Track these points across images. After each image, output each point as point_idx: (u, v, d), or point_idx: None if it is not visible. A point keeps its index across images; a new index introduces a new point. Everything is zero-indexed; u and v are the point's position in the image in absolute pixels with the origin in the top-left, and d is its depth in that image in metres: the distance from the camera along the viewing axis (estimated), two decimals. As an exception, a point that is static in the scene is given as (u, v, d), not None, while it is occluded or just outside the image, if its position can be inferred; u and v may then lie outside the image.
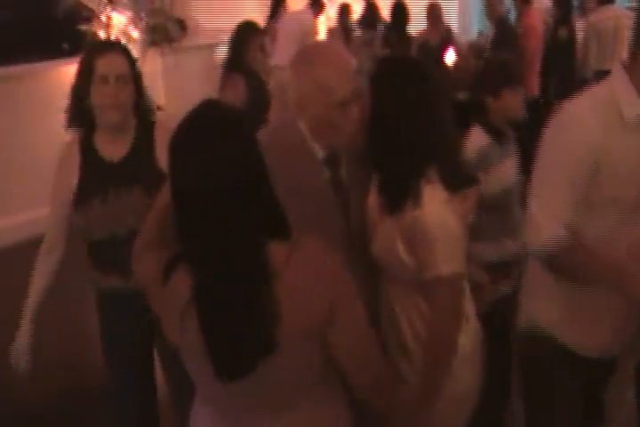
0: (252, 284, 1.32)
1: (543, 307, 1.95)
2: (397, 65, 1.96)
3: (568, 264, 1.77)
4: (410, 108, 1.83)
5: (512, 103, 2.70)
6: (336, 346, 1.43)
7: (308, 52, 1.91)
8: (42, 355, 3.42)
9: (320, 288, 1.38)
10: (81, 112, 2.19)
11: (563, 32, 6.30)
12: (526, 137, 2.69)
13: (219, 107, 1.43)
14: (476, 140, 2.65)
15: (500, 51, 6.06)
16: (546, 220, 1.74)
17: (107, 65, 2.13)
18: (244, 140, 1.37)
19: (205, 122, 1.36)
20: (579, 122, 1.71)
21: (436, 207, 1.81)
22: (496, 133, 2.69)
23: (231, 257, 1.32)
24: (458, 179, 1.90)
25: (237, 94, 4.16)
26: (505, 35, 6.14)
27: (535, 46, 6.13)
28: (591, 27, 6.10)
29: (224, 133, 1.34)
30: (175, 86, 6.31)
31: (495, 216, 2.61)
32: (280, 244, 1.37)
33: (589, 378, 1.98)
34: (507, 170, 2.69)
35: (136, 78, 2.20)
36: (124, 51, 2.22)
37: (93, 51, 2.20)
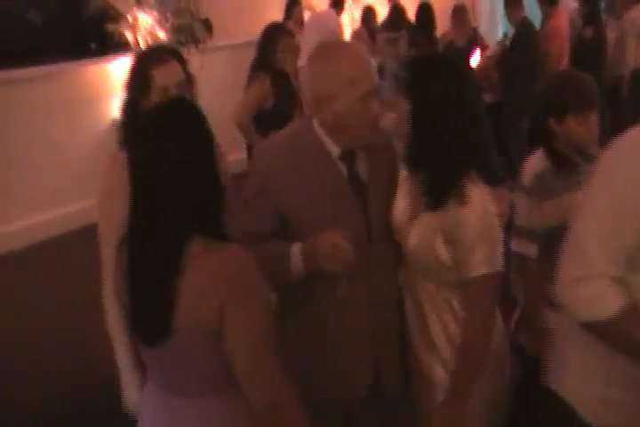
0: (162, 269, 1.47)
1: (575, 378, 1.63)
2: (435, 64, 1.92)
3: (617, 331, 1.44)
4: (452, 107, 1.81)
5: (578, 130, 2.25)
6: (229, 354, 1.50)
7: (326, 50, 1.92)
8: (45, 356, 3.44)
9: (214, 291, 1.46)
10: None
11: (588, 31, 6.21)
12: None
13: (181, 105, 1.58)
14: (534, 165, 2.32)
15: (518, 53, 6.02)
16: (608, 268, 1.41)
17: (166, 75, 2.02)
18: (194, 139, 1.49)
19: (162, 118, 1.51)
20: None
21: (481, 206, 1.82)
22: (560, 161, 2.30)
23: (155, 241, 1.49)
24: (492, 177, 1.89)
25: (263, 93, 4.16)
26: (525, 36, 6.08)
27: (559, 48, 6.06)
28: (630, 24, 6.00)
29: (176, 132, 1.48)
30: (201, 86, 6.32)
31: (548, 255, 2.21)
32: (202, 242, 1.48)
33: None
34: (570, 204, 2.21)
35: (191, 81, 2.13)
36: (177, 55, 2.13)
37: (147, 60, 2.06)
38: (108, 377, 2.78)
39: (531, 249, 2.26)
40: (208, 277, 1.48)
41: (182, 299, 1.47)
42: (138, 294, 1.52)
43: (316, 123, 1.91)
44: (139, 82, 2.01)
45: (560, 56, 6.09)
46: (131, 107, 2.02)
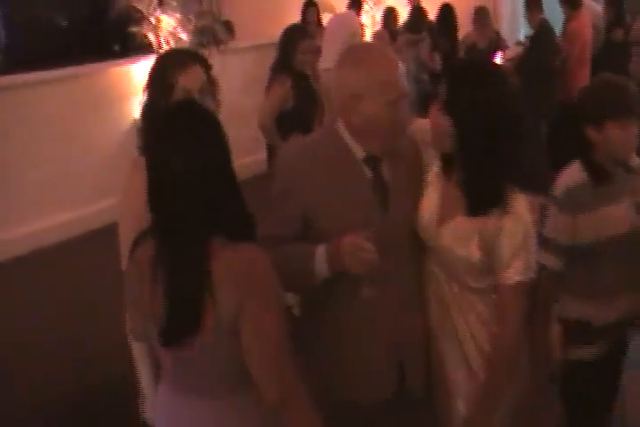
0: (189, 267, 1.50)
1: None
2: (470, 76, 1.86)
3: None
4: (495, 118, 1.79)
5: (618, 139, 2.11)
6: (245, 351, 1.53)
7: (358, 52, 1.90)
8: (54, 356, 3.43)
9: (232, 289, 1.50)
10: None
11: (617, 34, 6.13)
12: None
13: (193, 108, 1.61)
14: (569, 177, 2.19)
15: (536, 54, 5.98)
16: None
17: (190, 79, 2.00)
18: (209, 139, 1.53)
19: (180, 121, 1.54)
20: None
21: (524, 215, 1.84)
22: (599, 173, 2.17)
23: (179, 241, 1.51)
24: (535, 186, 1.89)
25: (283, 94, 4.16)
26: (543, 38, 6.05)
27: (581, 51, 6.02)
28: None
29: (193, 134, 1.51)
30: (222, 88, 6.35)
31: (583, 271, 2.23)
32: (221, 241, 1.51)
33: None
34: (605, 218, 2.18)
35: (214, 84, 2.12)
36: (200, 59, 2.11)
37: (170, 64, 2.03)
38: (108, 377, 2.81)
39: (556, 262, 2.20)
40: (227, 275, 1.50)
41: (205, 297, 1.50)
42: (163, 295, 1.53)
43: (341, 125, 1.90)
44: (162, 85, 2.00)
45: (582, 59, 6.05)
46: (152, 110, 2.00)
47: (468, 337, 1.94)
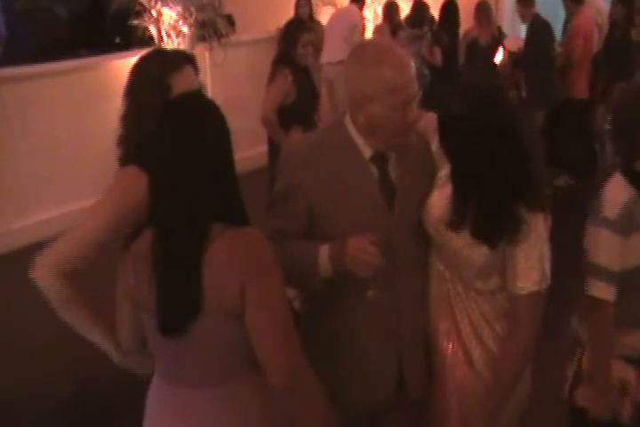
0: (186, 254, 1.51)
1: None
2: (463, 121, 1.80)
3: None
4: (492, 156, 1.77)
5: None
6: (251, 334, 1.52)
7: (370, 51, 1.85)
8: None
9: (234, 270, 1.50)
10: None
11: (637, 32, 6.06)
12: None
13: (197, 99, 1.64)
14: (616, 193, 1.95)
15: (533, 49, 5.97)
16: None
17: (184, 81, 1.97)
18: (213, 133, 1.55)
19: (182, 112, 1.57)
20: None
21: (541, 232, 1.83)
22: None
23: (176, 229, 1.53)
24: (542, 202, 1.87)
25: (285, 88, 4.15)
26: (538, 33, 6.03)
27: (583, 47, 6.00)
28: None
29: (200, 125, 1.54)
30: (223, 81, 6.33)
31: (628, 300, 1.99)
32: (222, 227, 1.53)
33: None
34: None
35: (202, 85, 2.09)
36: (191, 60, 2.09)
37: (164, 65, 1.99)
38: (108, 377, 2.79)
39: (609, 292, 1.95)
40: (228, 258, 1.51)
41: (206, 280, 1.50)
42: (163, 282, 1.53)
43: (349, 121, 1.88)
44: (156, 86, 1.93)
45: (584, 57, 6.02)
46: (145, 112, 1.89)
47: (471, 336, 1.94)
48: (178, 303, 1.53)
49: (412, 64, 1.83)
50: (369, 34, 7.66)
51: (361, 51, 1.86)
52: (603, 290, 1.94)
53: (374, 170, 1.89)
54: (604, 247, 1.94)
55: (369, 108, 1.78)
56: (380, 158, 1.89)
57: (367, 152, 1.88)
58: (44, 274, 1.74)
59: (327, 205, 1.86)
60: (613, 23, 6.15)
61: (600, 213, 1.93)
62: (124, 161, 1.95)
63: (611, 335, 1.98)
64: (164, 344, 1.61)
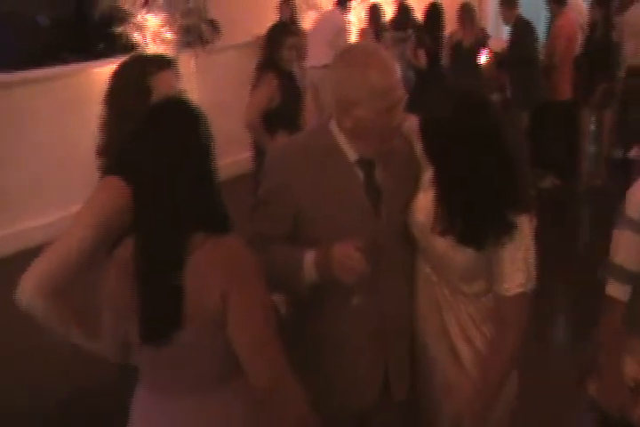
0: (167, 262, 1.52)
1: None
2: (445, 127, 1.80)
3: None
4: (478, 161, 1.78)
5: None
6: (233, 340, 1.54)
7: (355, 55, 1.84)
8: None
9: (215, 278, 1.52)
10: None
11: (617, 33, 6.09)
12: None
13: (179, 103, 1.63)
14: None
15: (516, 50, 6.02)
16: None
17: (165, 84, 1.96)
18: (196, 137, 1.55)
19: (165, 116, 1.57)
20: None
21: (526, 232, 1.83)
22: None
23: (158, 235, 1.53)
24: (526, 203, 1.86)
25: (270, 92, 4.15)
26: (521, 34, 6.08)
27: (566, 48, 6.03)
28: (626, 24, 5.97)
29: (175, 133, 1.54)
30: (208, 87, 6.32)
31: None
32: (203, 236, 1.54)
33: None
34: None
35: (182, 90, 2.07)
36: (174, 64, 2.08)
37: (144, 69, 1.99)
38: (108, 377, 2.76)
39: (622, 291, 1.95)
40: (208, 268, 1.53)
41: (187, 290, 1.51)
42: (145, 291, 1.54)
43: (334, 125, 1.88)
44: (139, 91, 1.93)
45: (565, 58, 6.06)
46: (127, 117, 1.89)
47: (460, 338, 1.95)
48: (160, 313, 1.53)
49: (398, 68, 1.82)
50: (353, 37, 7.69)
51: (347, 54, 1.86)
52: (615, 289, 1.95)
53: (360, 173, 1.89)
54: (624, 247, 1.93)
55: (355, 111, 1.78)
56: (365, 162, 1.89)
57: (353, 156, 1.88)
58: (27, 295, 1.71)
59: (312, 209, 1.85)
60: (593, 24, 6.19)
61: (625, 213, 1.91)
62: (106, 171, 1.94)
63: (621, 334, 1.98)
64: (148, 352, 1.61)
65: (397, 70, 1.82)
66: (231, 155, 5.52)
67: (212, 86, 6.45)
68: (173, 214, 1.52)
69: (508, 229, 1.80)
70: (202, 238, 1.53)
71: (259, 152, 4.26)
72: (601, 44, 6.04)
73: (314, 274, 1.78)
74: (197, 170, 1.54)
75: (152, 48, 5.99)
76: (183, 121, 1.56)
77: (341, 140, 1.87)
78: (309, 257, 1.78)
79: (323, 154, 1.88)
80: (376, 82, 1.75)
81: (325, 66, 6.21)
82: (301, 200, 1.85)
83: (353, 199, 1.88)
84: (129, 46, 5.93)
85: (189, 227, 1.53)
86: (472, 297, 1.94)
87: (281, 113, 4.15)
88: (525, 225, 1.84)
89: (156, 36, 6.07)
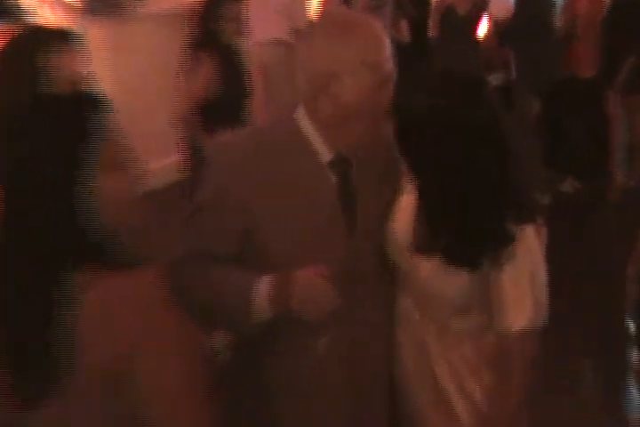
0: (52, 305, 1.58)
1: None
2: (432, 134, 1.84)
3: None
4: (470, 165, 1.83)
5: None
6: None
7: (339, 21, 1.88)
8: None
9: (111, 325, 1.59)
10: None
11: None
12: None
13: (76, 94, 1.69)
14: None
15: (524, 18, 6.11)
16: None
17: (64, 67, 1.96)
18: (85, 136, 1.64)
19: (55, 110, 1.65)
20: None
21: (531, 244, 1.87)
22: None
23: (35, 273, 1.61)
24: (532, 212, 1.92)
25: (208, 78, 4.14)
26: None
27: (590, 10, 6.12)
28: None
29: (59, 142, 1.65)
30: (126, 69, 6.28)
31: None
32: (90, 272, 1.59)
33: None
34: None
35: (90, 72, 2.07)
36: (76, 39, 2.07)
37: (37, 45, 1.99)
38: None
39: None
40: (100, 311, 1.61)
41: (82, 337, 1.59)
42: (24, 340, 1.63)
43: (304, 116, 1.89)
44: (20, 77, 1.93)
45: (589, 20, 6.10)
46: (10, 110, 1.88)
47: (452, 387, 1.98)
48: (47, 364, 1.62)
49: (387, 36, 1.86)
50: (314, 4, 7.74)
51: (325, 22, 1.92)
52: None
53: (333, 177, 1.91)
54: None
55: (336, 88, 1.79)
56: (341, 163, 1.91)
57: (326, 155, 1.90)
58: None
59: (266, 222, 1.85)
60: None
61: None
62: None
63: None
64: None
65: (387, 39, 1.85)
66: (158, 159, 5.52)
67: (129, 68, 6.40)
68: (44, 246, 1.61)
69: (508, 244, 1.83)
70: (93, 273, 1.60)
71: (194, 155, 4.25)
72: (632, 5, 6.18)
73: (266, 308, 1.76)
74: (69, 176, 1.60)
75: (46, 15, 5.95)
76: (79, 115, 1.61)
77: (312, 134, 1.88)
78: (262, 286, 1.77)
79: (282, 152, 1.88)
80: (362, 50, 1.79)
81: (277, 41, 6.19)
82: (252, 210, 1.85)
83: (321, 210, 1.89)
84: (13, 13, 5.88)
85: (74, 259, 1.61)
86: (466, 337, 1.98)
87: (221, 104, 4.16)
88: (531, 238, 1.87)
89: (56, 3, 6.04)
